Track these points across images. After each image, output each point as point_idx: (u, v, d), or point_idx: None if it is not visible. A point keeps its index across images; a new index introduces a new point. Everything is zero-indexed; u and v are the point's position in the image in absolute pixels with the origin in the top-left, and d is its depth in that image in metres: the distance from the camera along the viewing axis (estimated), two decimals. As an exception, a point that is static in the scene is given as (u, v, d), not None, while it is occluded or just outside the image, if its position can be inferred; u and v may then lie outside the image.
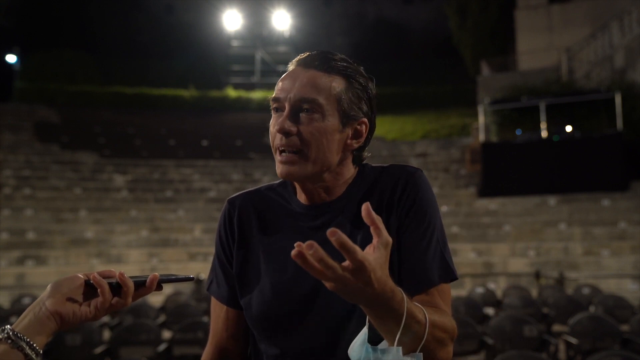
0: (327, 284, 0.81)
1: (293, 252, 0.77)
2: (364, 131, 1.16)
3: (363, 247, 1.09)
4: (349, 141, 1.15)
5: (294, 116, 1.10)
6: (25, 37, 25.88)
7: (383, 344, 0.92)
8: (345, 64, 1.14)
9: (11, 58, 24.99)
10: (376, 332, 0.93)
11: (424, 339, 0.92)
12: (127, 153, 16.95)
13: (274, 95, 1.13)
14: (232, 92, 24.08)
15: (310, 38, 28.20)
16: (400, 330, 0.88)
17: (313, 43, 28.26)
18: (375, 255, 0.83)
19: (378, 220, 0.83)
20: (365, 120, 1.16)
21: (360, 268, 0.79)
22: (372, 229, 0.83)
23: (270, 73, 25.83)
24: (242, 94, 24.01)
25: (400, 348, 0.89)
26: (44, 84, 22.41)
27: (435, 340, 0.96)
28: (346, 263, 0.79)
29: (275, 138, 1.12)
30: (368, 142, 1.19)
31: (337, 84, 1.12)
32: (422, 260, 1.09)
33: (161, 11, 32.47)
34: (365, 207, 0.82)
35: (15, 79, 23.27)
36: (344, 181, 1.18)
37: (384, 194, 1.15)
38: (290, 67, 1.16)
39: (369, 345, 0.92)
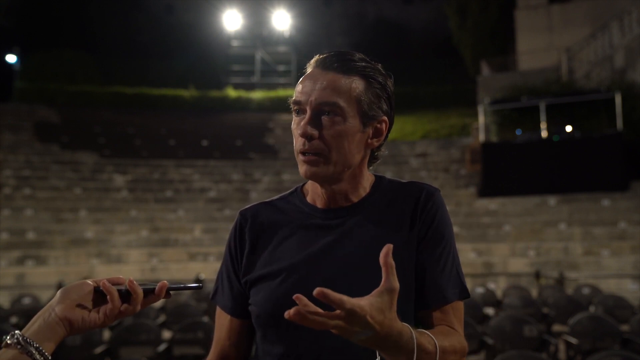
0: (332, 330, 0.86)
1: (289, 315, 0.83)
2: (384, 129, 1.19)
3: (371, 251, 1.11)
4: (369, 140, 1.17)
5: (315, 120, 1.12)
6: (25, 37, 25.87)
7: None
8: (364, 64, 1.15)
9: (11, 58, 24.97)
10: None
11: None
12: (127, 153, 16.95)
13: (294, 98, 1.15)
14: (232, 92, 24.06)
15: (310, 38, 28.16)
16: None
17: (313, 43, 28.20)
18: (373, 299, 0.87)
19: (391, 266, 0.87)
20: (385, 118, 1.18)
21: (352, 314, 0.84)
22: (383, 270, 0.88)
23: (270, 73, 25.83)
24: (242, 94, 24.00)
25: None
26: (44, 84, 22.39)
27: None
28: (337, 311, 0.84)
29: (297, 141, 1.14)
30: (386, 138, 1.22)
31: (357, 85, 1.13)
32: (439, 278, 1.14)
33: (161, 11, 32.47)
34: (386, 249, 0.87)
35: (15, 79, 23.25)
36: (362, 186, 1.21)
37: (405, 210, 1.18)
38: (309, 68, 1.17)
39: None
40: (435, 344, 0.97)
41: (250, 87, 25.13)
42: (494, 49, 21.29)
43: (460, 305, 1.16)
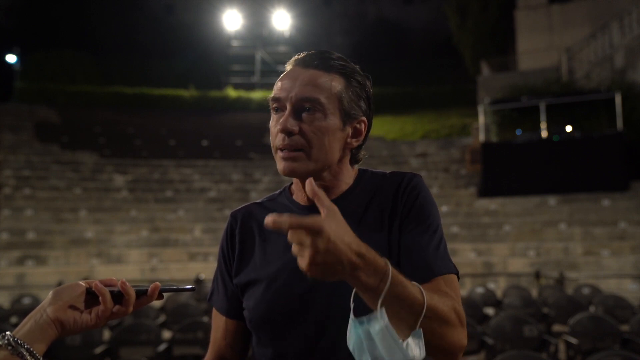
0: (304, 266, 0.83)
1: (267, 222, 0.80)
2: (363, 130, 1.18)
3: None
4: (349, 140, 1.16)
5: (296, 116, 1.11)
6: (25, 37, 25.88)
7: (370, 316, 0.89)
8: (343, 63, 1.15)
9: (11, 58, 24.99)
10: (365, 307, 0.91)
11: (423, 314, 0.90)
12: (127, 153, 16.95)
13: (273, 95, 1.14)
14: (232, 92, 24.08)
15: (310, 38, 28.20)
16: (385, 291, 0.86)
17: (313, 43, 28.27)
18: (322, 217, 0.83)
19: (319, 191, 0.85)
20: (365, 119, 1.18)
21: (307, 227, 0.80)
22: (315, 201, 0.86)
23: (270, 73, 25.84)
24: (242, 94, 24.01)
25: (384, 309, 0.87)
26: (44, 84, 22.41)
27: (441, 321, 0.95)
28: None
29: (276, 137, 1.12)
30: (366, 140, 1.21)
31: (337, 83, 1.13)
32: (425, 254, 1.09)
33: (161, 11, 32.50)
34: (309, 182, 0.86)
35: (15, 79, 23.27)
36: (344, 182, 1.19)
37: (387, 198, 1.16)
38: (288, 66, 1.17)
39: (355, 320, 0.89)
40: (421, 289, 0.91)
41: (250, 87, 25.16)
42: (494, 49, 21.30)
43: (452, 278, 1.09)
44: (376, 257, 0.87)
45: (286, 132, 1.10)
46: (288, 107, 1.11)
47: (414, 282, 0.93)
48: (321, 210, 0.85)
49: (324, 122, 1.11)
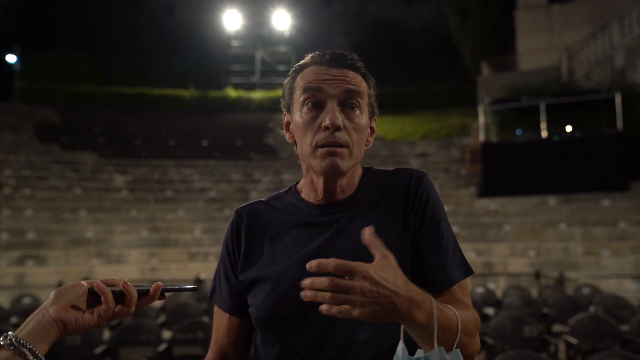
0: (356, 312, 0.85)
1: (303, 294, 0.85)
2: (375, 127, 1.21)
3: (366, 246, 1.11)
4: (368, 137, 1.19)
5: (340, 111, 1.11)
6: (25, 37, 25.88)
7: (419, 352, 0.95)
8: (361, 63, 1.17)
9: (11, 58, 24.98)
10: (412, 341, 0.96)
11: (458, 336, 0.96)
12: (127, 153, 16.95)
13: (310, 84, 1.11)
14: (232, 92, 24.08)
15: (310, 38, 28.19)
16: (436, 331, 0.91)
17: (313, 43, 28.24)
18: (372, 264, 0.87)
19: (376, 242, 0.89)
20: (376, 117, 1.21)
21: (354, 271, 0.85)
22: (370, 248, 0.89)
23: (270, 73, 25.84)
24: (242, 94, 24.01)
25: (442, 348, 0.92)
26: (44, 84, 22.41)
27: (466, 334, 0.99)
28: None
29: (317, 133, 1.10)
30: None
31: (363, 82, 1.15)
32: (443, 262, 1.13)
33: (161, 11, 32.50)
34: (368, 230, 0.89)
35: (15, 79, 23.26)
36: (355, 179, 1.21)
37: (396, 199, 1.17)
38: (312, 66, 1.14)
39: (407, 355, 0.94)
40: (456, 314, 0.97)
41: (250, 87, 25.15)
42: (494, 49, 21.30)
43: (466, 283, 1.15)
44: (423, 294, 0.91)
45: (336, 127, 1.08)
46: (330, 102, 1.10)
47: (448, 306, 0.98)
48: (376, 256, 0.89)
49: (360, 120, 1.13)
